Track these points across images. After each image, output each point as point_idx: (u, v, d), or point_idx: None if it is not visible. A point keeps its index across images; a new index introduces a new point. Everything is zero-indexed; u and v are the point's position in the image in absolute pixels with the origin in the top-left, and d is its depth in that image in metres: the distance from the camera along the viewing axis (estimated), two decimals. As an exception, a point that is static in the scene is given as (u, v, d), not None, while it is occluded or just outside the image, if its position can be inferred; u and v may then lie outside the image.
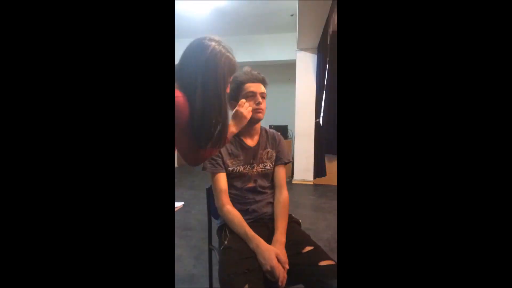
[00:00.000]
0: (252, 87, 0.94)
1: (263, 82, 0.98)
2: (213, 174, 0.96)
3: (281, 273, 0.77)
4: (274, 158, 1.03)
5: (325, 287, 0.74)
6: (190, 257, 1.68)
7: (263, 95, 0.97)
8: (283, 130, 4.04)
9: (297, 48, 3.56)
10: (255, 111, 0.94)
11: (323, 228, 2.16)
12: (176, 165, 4.69)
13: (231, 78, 0.76)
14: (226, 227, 0.94)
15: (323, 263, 0.79)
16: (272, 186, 1.03)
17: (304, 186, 3.54)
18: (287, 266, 0.79)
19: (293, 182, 3.68)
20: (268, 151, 1.02)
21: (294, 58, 3.69)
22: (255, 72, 0.97)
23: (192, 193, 3.11)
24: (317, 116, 3.56)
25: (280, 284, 0.77)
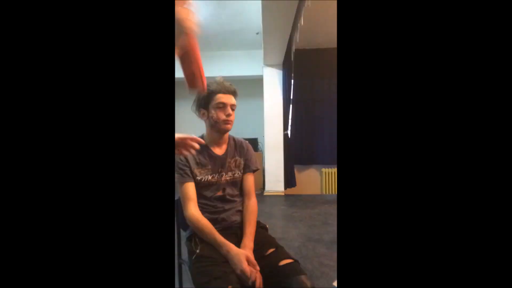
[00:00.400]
0: (223, 98, 0.96)
1: (234, 94, 0.99)
2: (181, 184, 0.96)
3: (253, 275, 0.79)
4: (242, 166, 1.05)
5: (286, 286, 0.77)
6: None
7: (233, 107, 0.98)
8: (253, 143, 4.11)
9: (264, 64, 3.72)
10: (224, 122, 0.96)
11: (294, 236, 2.22)
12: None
13: None
14: (195, 236, 0.94)
15: (282, 262, 0.83)
16: (241, 194, 1.05)
17: (275, 197, 3.60)
18: (258, 268, 0.81)
19: (265, 193, 3.73)
20: (236, 159, 1.04)
21: (261, 73, 3.84)
22: (227, 83, 0.98)
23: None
24: (285, 128, 3.70)
25: (257, 286, 0.78)
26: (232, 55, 4.28)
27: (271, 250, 0.89)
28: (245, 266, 0.79)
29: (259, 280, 0.79)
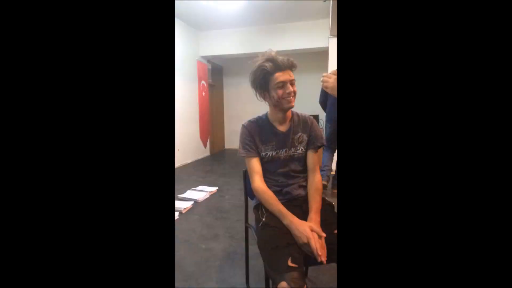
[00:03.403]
0: (281, 76, 0.93)
1: (291, 67, 0.95)
2: (247, 159, 1.02)
3: (318, 243, 0.79)
4: (306, 142, 1.05)
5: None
6: (226, 237, 1.80)
7: (292, 82, 0.95)
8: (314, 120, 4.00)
9: (330, 35, 3.46)
10: (286, 101, 0.95)
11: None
12: (208, 153, 4.90)
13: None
14: (262, 206, 1.01)
15: None
16: (305, 170, 1.07)
17: (333, 175, 3.50)
18: (323, 234, 0.82)
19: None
20: (299, 136, 1.04)
21: (327, 45, 3.59)
22: (281, 58, 0.93)
23: (225, 180, 3.25)
24: (350, 104, 3.46)
25: (319, 255, 0.78)
26: (296, 26, 4.09)
27: None
28: (310, 234, 0.81)
29: (321, 247, 0.79)
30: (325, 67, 3.65)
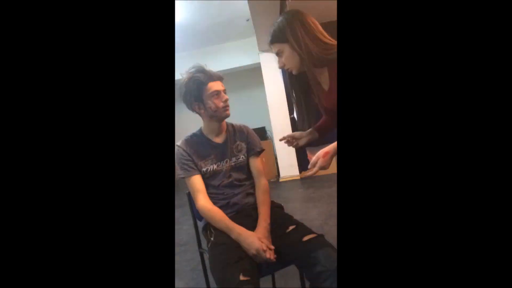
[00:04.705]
0: (215, 85, 0.95)
1: (221, 79, 0.99)
2: (188, 178, 0.97)
3: (268, 252, 0.79)
4: (245, 149, 1.05)
5: (312, 260, 0.76)
6: (187, 270, 1.65)
7: (225, 91, 0.99)
8: (261, 132, 4.09)
9: (259, 51, 3.66)
10: (223, 109, 0.96)
11: (315, 215, 2.21)
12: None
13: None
14: (210, 225, 0.95)
15: (306, 238, 0.82)
16: (249, 178, 1.05)
17: (291, 182, 3.59)
18: (271, 247, 0.82)
19: (281, 180, 3.72)
20: (238, 144, 1.04)
21: (258, 60, 3.78)
22: (211, 70, 0.98)
23: (181, 210, 3.06)
24: (290, 112, 3.65)
25: (271, 259, 0.79)
26: (226, 47, 4.24)
27: (292, 227, 0.89)
28: (259, 245, 0.79)
29: (270, 254, 0.80)
30: (261, 81, 3.82)
